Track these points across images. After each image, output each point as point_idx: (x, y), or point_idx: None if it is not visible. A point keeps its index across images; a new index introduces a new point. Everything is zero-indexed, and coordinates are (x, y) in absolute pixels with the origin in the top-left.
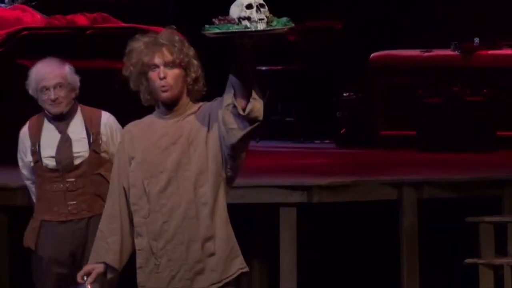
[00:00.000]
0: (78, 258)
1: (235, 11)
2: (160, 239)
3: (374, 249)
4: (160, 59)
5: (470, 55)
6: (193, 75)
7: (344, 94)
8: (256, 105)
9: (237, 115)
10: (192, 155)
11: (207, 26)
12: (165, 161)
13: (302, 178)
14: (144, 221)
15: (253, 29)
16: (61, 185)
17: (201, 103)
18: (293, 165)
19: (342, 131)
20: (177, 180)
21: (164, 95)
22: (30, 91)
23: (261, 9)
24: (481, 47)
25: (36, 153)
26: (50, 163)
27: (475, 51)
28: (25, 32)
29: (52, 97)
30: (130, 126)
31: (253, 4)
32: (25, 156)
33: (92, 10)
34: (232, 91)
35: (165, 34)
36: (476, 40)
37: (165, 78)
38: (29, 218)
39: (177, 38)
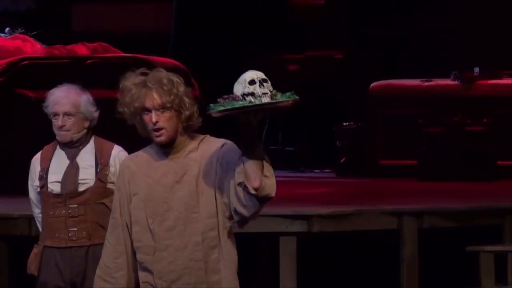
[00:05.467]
0: (78, 287)
1: (238, 88)
2: (165, 278)
3: (374, 278)
4: (150, 104)
5: (470, 84)
6: (187, 112)
7: (344, 124)
8: (268, 183)
9: (249, 193)
10: (200, 198)
11: (212, 105)
12: (171, 200)
13: (302, 207)
14: (149, 258)
15: (257, 103)
16: (63, 211)
17: (201, 137)
18: (293, 195)
19: (342, 161)
20: (184, 221)
21: (158, 140)
22: (47, 112)
23: (264, 84)
24: (481, 76)
25: (43, 178)
26: (55, 188)
27: (475, 81)
28: (25, 62)
29: (59, 123)
30: (128, 161)
31: (256, 80)
32: (33, 181)
33: (92, 40)
34: (243, 170)
35: (153, 76)
36: (476, 69)
37: (158, 122)
38: (29, 247)
39: (165, 80)
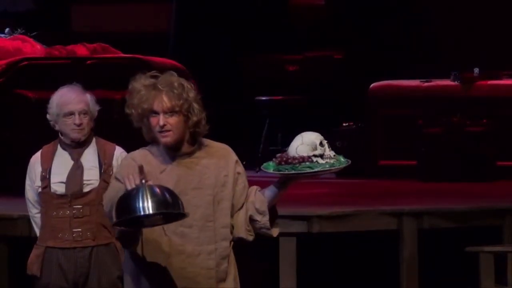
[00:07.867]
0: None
1: (304, 149)
2: (176, 284)
3: (374, 279)
4: (159, 106)
5: (470, 85)
6: (194, 118)
7: (344, 124)
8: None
9: (260, 230)
10: (216, 208)
11: (297, 166)
12: (186, 207)
13: (302, 208)
14: (162, 263)
15: (338, 166)
16: (68, 211)
17: (204, 142)
18: (293, 195)
19: None
20: (198, 229)
21: (164, 141)
22: (49, 116)
23: (330, 147)
24: (481, 77)
25: (46, 178)
26: (59, 189)
27: (475, 81)
28: (25, 62)
29: (77, 121)
30: (138, 157)
31: (324, 142)
32: (34, 182)
33: (92, 40)
34: (267, 216)
35: (164, 79)
36: (476, 70)
37: (165, 125)
38: (29, 248)
39: (176, 83)
